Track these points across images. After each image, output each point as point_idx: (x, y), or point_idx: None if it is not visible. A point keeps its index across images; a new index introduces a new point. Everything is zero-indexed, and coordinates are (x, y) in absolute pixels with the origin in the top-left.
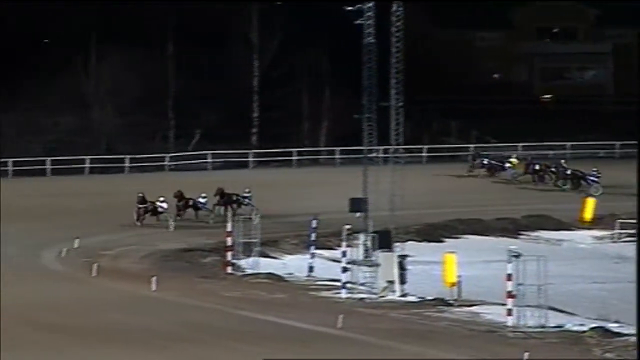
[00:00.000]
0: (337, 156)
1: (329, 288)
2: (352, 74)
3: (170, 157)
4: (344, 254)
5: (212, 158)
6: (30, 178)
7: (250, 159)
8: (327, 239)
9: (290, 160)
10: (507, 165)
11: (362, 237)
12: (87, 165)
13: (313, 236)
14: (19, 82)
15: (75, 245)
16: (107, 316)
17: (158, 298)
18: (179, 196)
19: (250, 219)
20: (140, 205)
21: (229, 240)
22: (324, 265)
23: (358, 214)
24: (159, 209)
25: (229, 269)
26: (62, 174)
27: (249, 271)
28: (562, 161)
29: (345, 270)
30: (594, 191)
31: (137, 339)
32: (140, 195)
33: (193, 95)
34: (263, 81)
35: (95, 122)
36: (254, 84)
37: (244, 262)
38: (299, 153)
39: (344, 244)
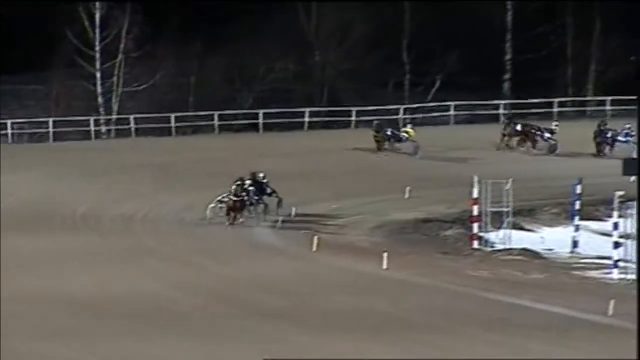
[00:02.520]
0: (608, 107)
1: (597, 267)
2: (626, 8)
3: (405, 109)
4: (615, 226)
5: (455, 110)
6: (238, 135)
7: (501, 111)
8: (595, 208)
9: (550, 112)
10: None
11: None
12: (306, 119)
13: (577, 204)
14: (226, 21)
15: (292, 214)
16: (331, 299)
17: (390, 278)
18: None
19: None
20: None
21: (475, 209)
22: (591, 239)
23: (632, 178)
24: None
25: (475, 244)
26: (275, 130)
27: (500, 246)
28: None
29: (617, 245)
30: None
31: (366, 326)
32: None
33: (432, 35)
34: (517, 16)
35: (315, 68)
36: (506, 19)
37: (493, 236)
38: (561, 104)
39: (615, 214)
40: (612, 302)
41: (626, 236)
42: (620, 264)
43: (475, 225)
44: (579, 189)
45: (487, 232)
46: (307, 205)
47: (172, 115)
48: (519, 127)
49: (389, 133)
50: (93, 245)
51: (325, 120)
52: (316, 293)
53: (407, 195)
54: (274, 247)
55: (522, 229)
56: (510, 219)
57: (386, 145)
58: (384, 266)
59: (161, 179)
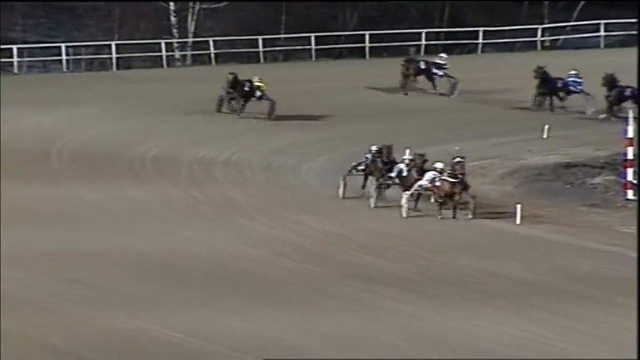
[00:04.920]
0: None
1: None
2: None
3: (543, 29)
4: None
5: (606, 31)
6: (339, 62)
7: None
8: None
9: None
10: None
11: None
12: (422, 42)
13: None
14: None
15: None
16: (454, 262)
17: (525, 235)
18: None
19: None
20: None
21: (630, 151)
22: None
23: None
24: None
25: (630, 194)
26: (385, 55)
27: None
28: None
29: None
30: None
31: (496, 295)
32: None
33: None
34: None
35: None
36: None
37: None
38: None
39: None
40: None
41: None
42: None
43: (630, 171)
44: None
45: None
46: (421, 147)
47: (260, 38)
48: (422, 65)
49: (422, 66)
50: (165, 196)
51: (446, 43)
52: (436, 255)
53: (545, 135)
54: (385, 199)
55: None
56: None
57: (416, 81)
58: (518, 221)
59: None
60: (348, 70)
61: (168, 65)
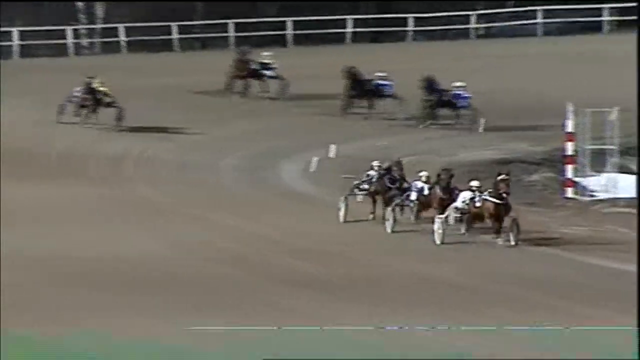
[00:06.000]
0: None
1: None
2: None
3: (478, 16)
4: None
5: (544, 18)
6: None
7: (605, 17)
8: None
9: None
10: None
11: None
12: (349, 29)
13: None
14: None
15: (331, 154)
16: (384, 264)
17: (456, 237)
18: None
19: None
20: None
21: (570, 147)
22: None
23: None
24: None
25: (570, 192)
26: (308, 44)
27: (601, 195)
28: None
29: None
30: None
31: (425, 297)
32: None
33: None
34: None
35: None
36: None
37: (593, 182)
38: None
39: None
40: None
41: None
42: None
43: (570, 168)
44: None
45: (585, 176)
46: (347, 142)
47: (175, 25)
48: (252, 65)
49: (252, 66)
50: (75, 195)
51: (374, 31)
52: (365, 257)
53: (480, 129)
54: (305, 196)
55: (631, 172)
56: (616, 159)
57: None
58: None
59: (159, 107)
60: None
61: (75, 53)
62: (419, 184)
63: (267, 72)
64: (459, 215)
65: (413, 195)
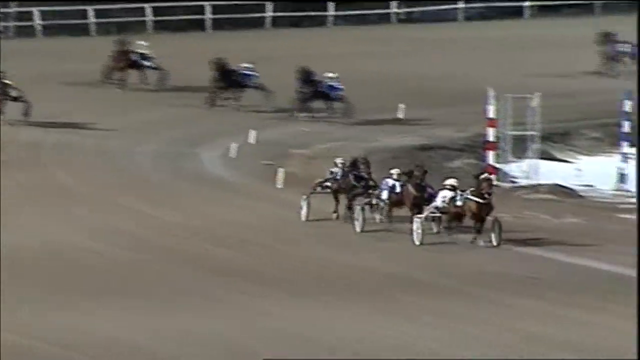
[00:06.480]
0: None
1: None
2: None
3: (400, 1)
4: None
5: (465, 2)
6: (177, 35)
7: (527, 2)
8: None
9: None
10: None
11: None
12: (268, 13)
13: (626, 126)
14: None
15: (251, 140)
16: (309, 254)
17: (379, 227)
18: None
19: None
20: None
21: (491, 133)
22: None
23: None
24: None
25: (492, 179)
26: (227, 28)
27: (523, 182)
28: None
29: None
30: None
31: (352, 286)
32: None
33: None
34: None
35: None
36: None
37: (514, 168)
38: None
39: None
40: None
41: None
42: None
43: (491, 154)
44: (628, 106)
45: (506, 163)
46: (268, 128)
47: (91, 9)
48: (132, 57)
49: (132, 57)
50: None
51: (294, 15)
52: (278, 243)
53: (401, 115)
54: (226, 183)
55: (552, 158)
56: (538, 145)
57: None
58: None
59: (79, 96)
60: (187, 44)
61: None
62: (390, 182)
63: (146, 63)
64: (437, 215)
65: (384, 194)
